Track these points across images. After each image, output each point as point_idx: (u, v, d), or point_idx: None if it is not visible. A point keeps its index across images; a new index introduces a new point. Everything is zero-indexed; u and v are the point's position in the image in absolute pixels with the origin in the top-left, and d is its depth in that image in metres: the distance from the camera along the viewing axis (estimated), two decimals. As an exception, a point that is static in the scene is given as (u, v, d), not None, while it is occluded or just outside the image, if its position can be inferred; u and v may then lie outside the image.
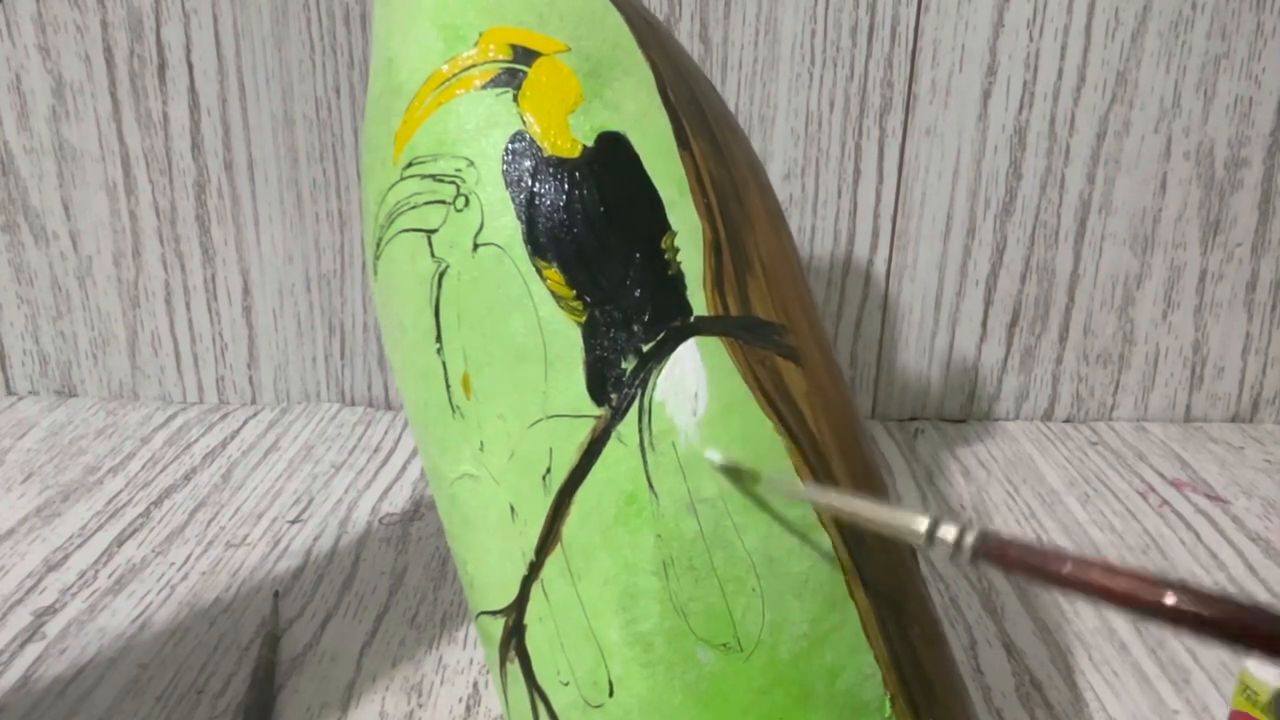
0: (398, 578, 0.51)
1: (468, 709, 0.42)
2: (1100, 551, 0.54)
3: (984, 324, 0.68)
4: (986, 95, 0.64)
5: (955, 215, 0.66)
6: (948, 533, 0.23)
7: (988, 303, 0.68)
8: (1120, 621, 0.48)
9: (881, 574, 0.30)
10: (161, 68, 0.64)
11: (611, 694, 0.29)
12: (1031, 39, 0.63)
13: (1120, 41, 0.63)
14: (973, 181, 0.65)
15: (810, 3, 0.62)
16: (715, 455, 0.29)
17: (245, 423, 0.68)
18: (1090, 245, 0.67)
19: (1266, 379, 0.70)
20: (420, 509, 0.57)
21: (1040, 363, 0.69)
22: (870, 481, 0.32)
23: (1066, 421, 0.70)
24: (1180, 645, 0.46)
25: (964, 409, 0.70)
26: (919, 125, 0.64)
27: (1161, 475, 0.63)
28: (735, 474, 0.29)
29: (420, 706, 0.42)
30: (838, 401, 0.32)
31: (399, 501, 0.58)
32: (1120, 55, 0.63)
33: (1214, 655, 0.46)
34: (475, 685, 0.43)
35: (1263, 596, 0.50)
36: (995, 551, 0.22)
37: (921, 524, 0.24)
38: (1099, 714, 0.42)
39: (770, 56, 0.63)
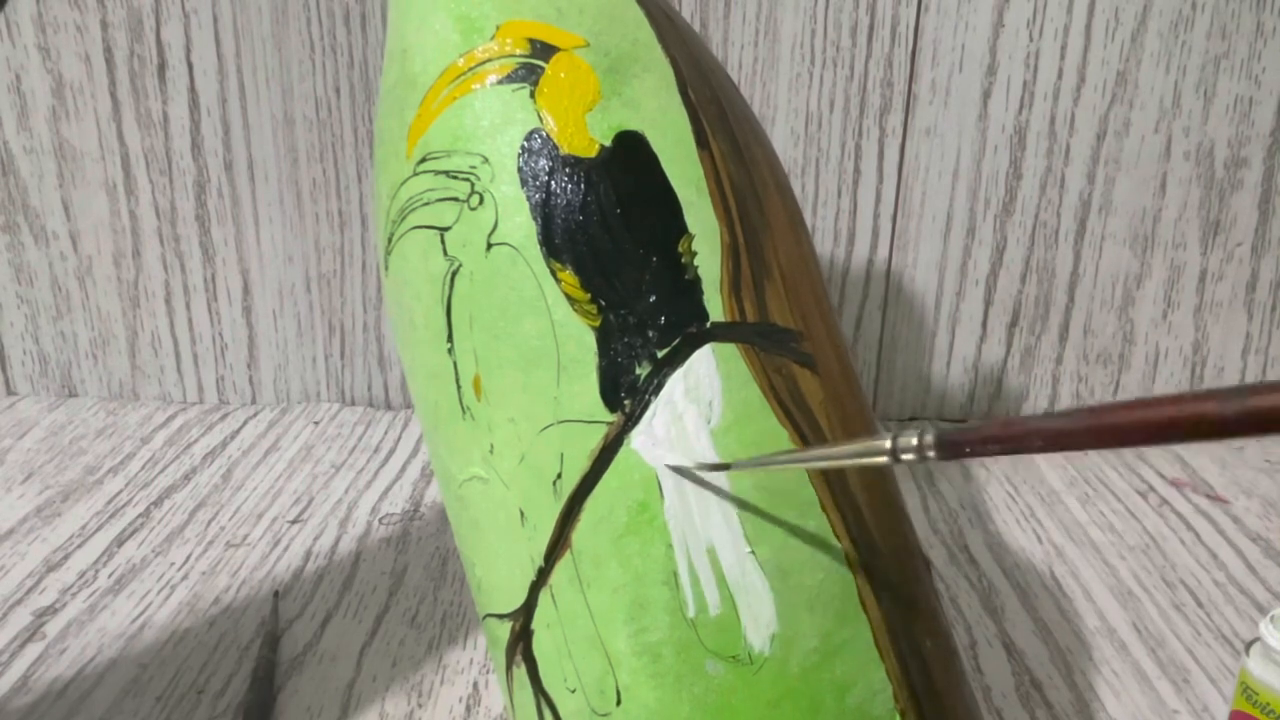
0: (398, 578, 0.51)
1: (468, 709, 0.42)
2: (1100, 552, 0.54)
3: (984, 324, 0.68)
4: (986, 95, 0.64)
5: (955, 215, 0.66)
6: (908, 442, 0.23)
7: (988, 303, 0.68)
8: (1120, 621, 0.48)
9: (894, 586, 0.30)
10: (161, 68, 0.64)
11: (619, 703, 0.29)
12: (1031, 39, 0.63)
13: (1120, 41, 0.63)
14: (973, 181, 0.65)
15: (810, 3, 0.62)
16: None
17: (245, 423, 0.68)
18: (1090, 245, 0.67)
19: (1266, 379, 0.70)
20: (420, 509, 0.57)
21: (1040, 363, 0.69)
22: (885, 490, 0.32)
23: (1066, 421, 0.70)
24: (1180, 645, 0.46)
25: (964, 409, 0.70)
26: (919, 125, 0.64)
27: (1161, 475, 0.63)
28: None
29: (420, 706, 0.42)
30: (854, 410, 0.32)
31: (399, 501, 0.58)
32: (1120, 55, 0.63)
33: (1214, 655, 0.46)
34: (475, 685, 0.43)
35: (1263, 596, 0.50)
36: (958, 440, 0.22)
37: (884, 444, 0.24)
38: (1099, 714, 0.42)
39: (770, 56, 0.63)
